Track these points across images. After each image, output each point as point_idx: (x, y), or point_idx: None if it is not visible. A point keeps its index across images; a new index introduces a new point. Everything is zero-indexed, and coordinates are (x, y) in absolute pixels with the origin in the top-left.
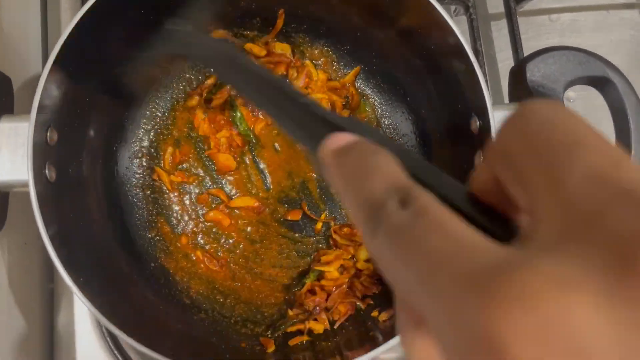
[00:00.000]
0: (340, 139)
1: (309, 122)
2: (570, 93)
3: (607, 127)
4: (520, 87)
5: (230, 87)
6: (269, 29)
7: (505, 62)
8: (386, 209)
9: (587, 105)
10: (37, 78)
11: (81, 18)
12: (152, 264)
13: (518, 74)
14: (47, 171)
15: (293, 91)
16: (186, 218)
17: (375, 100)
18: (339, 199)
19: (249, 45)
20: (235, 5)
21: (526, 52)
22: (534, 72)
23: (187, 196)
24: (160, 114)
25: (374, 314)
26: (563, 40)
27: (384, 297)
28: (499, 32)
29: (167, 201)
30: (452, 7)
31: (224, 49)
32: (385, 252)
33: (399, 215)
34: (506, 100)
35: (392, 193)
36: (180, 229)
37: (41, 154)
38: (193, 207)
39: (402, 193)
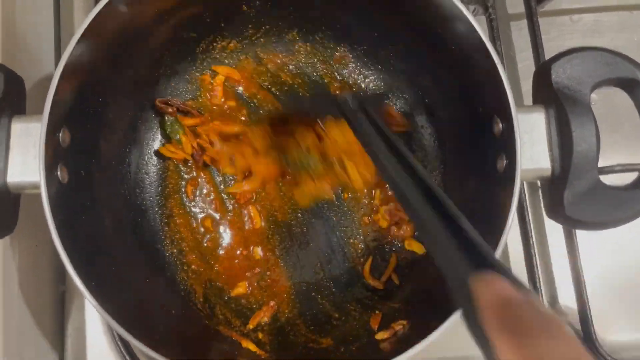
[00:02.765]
0: (504, 288)
1: (458, 249)
2: (592, 95)
3: (629, 129)
4: (545, 89)
5: None
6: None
7: (524, 62)
8: None
9: (609, 107)
10: (49, 78)
11: (94, 18)
12: (166, 268)
13: (542, 75)
14: (59, 173)
15: (453, 210)
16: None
17: (392, 102)
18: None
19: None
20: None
21: (547, 53)
22: (560, 74)
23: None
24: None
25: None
26: (585, 41)
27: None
28: (519, 33)
29: (182, 201)
30: (472, 7)
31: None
32: None
33: None
34: (526, 101)
35: None
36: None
37: (53, 155)
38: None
39: None
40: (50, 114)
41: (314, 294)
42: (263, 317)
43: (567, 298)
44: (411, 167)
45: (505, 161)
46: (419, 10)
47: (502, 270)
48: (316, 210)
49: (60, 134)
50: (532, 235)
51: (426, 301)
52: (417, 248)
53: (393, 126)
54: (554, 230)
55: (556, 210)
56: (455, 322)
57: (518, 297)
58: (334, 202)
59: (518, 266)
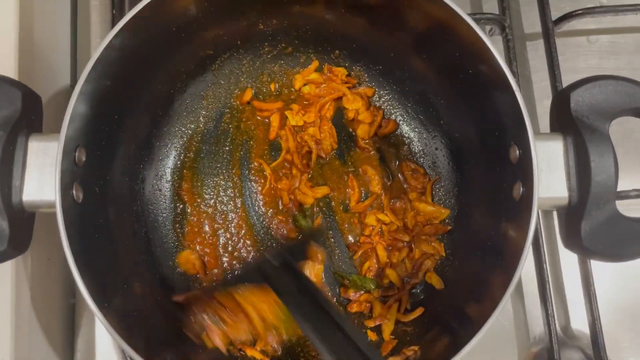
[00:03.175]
0: None
1: None
2: None
3: None
4: (564, 117)
5: None
6: None
7: (540, 83)
8: None
9: (624, 131)
10: (65, 92)
11: (111, 39)
12: (177, 287)
13: (561, 103)
14: (74, 191)
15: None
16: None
17: (406, 122)
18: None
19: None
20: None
21: (563, 74)
22: (579, 102)
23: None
24: (190, 132)
25: None
26: (601, 63)
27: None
28: (535, 53)
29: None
30: (488, 27)
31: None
32: None
33: None
34: (541, 122)
35: None
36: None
37: (69, 174)
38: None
39: None
40: (67, 133)
41: None
42: (272, 342)
43: (579, 322)
44: (335, 323)
45: (522, 189)
46: (435, 32)
47: None
48: None
49: (76, 153)
50: (545, 260)
51: (439, 329)
52: (437, 283)
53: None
54: (567, 255)
55: (573, 241)
56: (466, 354)
57: None
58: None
59: (531, 290)
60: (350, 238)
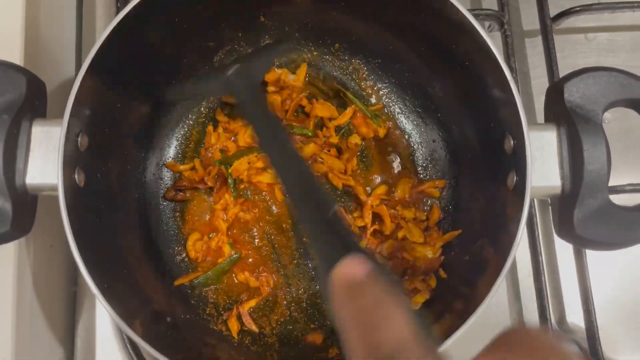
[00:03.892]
0: (356, 269)
1: (331, 238)
2: (606, 114)
3: None
4: (558, 107)
5: None
6: None
7: (538, 79)
8: None
9: (622, 127)
10: (69, 81)
11: (117, 25)
12: (177, 273)
13: (555, 94)
14: (76, 176)
15: (325, 198)
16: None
17: (405, 115)
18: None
19: None
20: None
21: (561, 70)
22: (573, 92)
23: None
24: (191, 122)
25: None
26: (599, 60)
27: None
28: (533, 50)
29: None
30: (487, 23)
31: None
32: None
33: None
34: (539, 118)
35: (399, 353)
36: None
37: (72, 158)
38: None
39: (418, 356)
40: (70, 118)
41: (324, 305)
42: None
43: (575, 316)
44: (289, 151)
45: (515, 178)
46: (434, 26)
47: (364, 254)
48: None
49: (79, 138)
50: (541, 253)
51: (434, 315)
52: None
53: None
54: (563, 248)
55: (566, 229)
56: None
57: (362, 274)
58: None
59: (526, 283)
60: None
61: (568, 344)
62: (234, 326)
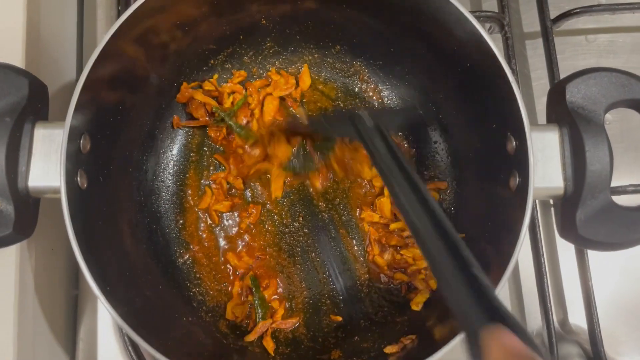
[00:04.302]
0: (516, 343)
1: (471, 300)
2: (607, 116)
3: None
4: (559, 108)
5: None
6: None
7: (539, 81)
8: None
9: (623, 128)
10: (71, 85)
11: (118, 28)
12: (178, 276)
13: (557, 95)
14: (78, 178)
15: (465, 253)
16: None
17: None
18: None
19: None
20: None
21: (562, 72)
22: (574, 93)
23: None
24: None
25: (386, 349)
26: (600, 62)
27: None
28: (534, 51)
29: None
30: (487, 25)
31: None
32: None
33: None
34: (540, 119)
35: None
36: (207, 243)
37: (74, 161)
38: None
39: None
40: (72, 121)
41: (324, 307)
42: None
43: (577, 317)
44: (425, 200)
45: (518, 179)
46: (435, 28)
47: (514, 324)
48: (321, 225)
49: (81, 141)
50: (543, 254)
51: (436, 317)
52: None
53: None
54: (565, 249)
55: (569, 230)
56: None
57: (525, 354)
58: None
59: (529, 284)
60: None
61: None
62: (269, 344)
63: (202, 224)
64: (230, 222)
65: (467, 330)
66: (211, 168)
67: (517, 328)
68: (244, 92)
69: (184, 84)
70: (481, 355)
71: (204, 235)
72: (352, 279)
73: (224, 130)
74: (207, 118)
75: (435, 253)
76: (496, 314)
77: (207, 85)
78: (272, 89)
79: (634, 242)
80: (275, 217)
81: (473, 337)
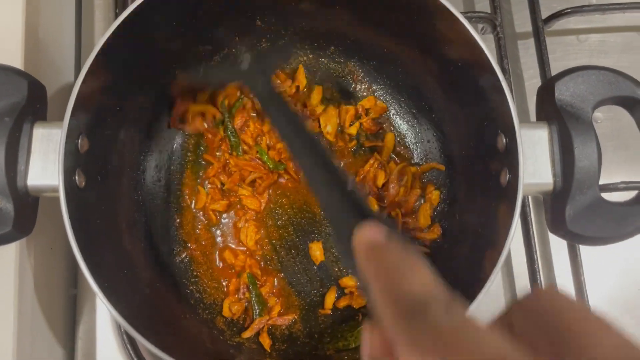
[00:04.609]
0: (376, 231)
1: (349, 207)
2: (598, 114)
3: (633, 148)
4: (548, 106)
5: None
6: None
7: (531, 81)
8: (430, 310)
9: (614, 127)
10: (69, 86)
11: (115, 29)
12: (176, 274)
13: (546, 93)
14: (76, 177)
15: (343, 172)
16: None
17: (400, 116)
18: (363, 286)
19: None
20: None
21: (554, 72)
22: (563, 91)
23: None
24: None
25: None
26: (591, 61)
27: None
28: (526, 51)
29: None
30: (479, 25)
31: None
32: (426, 343)
33: (445, 319)
34: (532, 118)
35: (435, 297)
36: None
37: (72, 160)
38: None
39: (445, 301)
40: (70, 121)
41: (320, 304)
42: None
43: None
44: (302, 131)
45: (508, 175)
46: (427, 29)
47: (380, 220)
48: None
49: (79, 140)
50: (536, 250)
51: None
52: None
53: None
54: (558, 246)
55: (558, 225)
56: None
57: (382, 236)
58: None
59: (522, 281)
60: None
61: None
62: (265, 340)
63: (199, 223)
64: (227, 220)
65: (345, 234)
66: (209, 168)
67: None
68: (237, 94)
69: (177, 101)
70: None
71: (201, 234)
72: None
73: (221, 131)
74: (205, 126)
75: (322, 182)
76: (368, 216)
77: (202, 96)
78: None
79: (623, 237)
80: (272, 215)
81: (348, 238)
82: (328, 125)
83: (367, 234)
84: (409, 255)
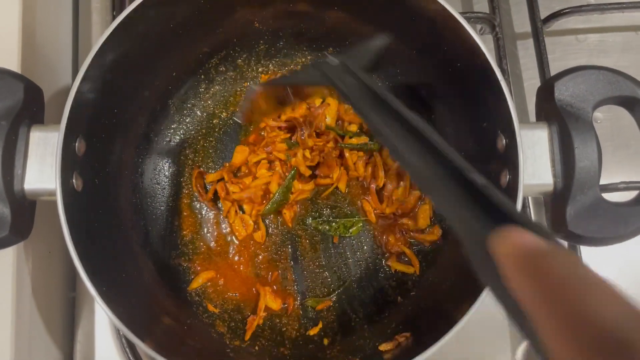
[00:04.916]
0: (528, 236)
1: (483, 204)
2: (598, 114)
3: (634, 148)
4: (548, 106)
5: None
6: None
7: (530, 81)
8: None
9: (614, 126)
10: (66, 89)
11: (112, 31)
12: (174, 277)
13: (546, 93)
14: (74, 181)
15: (460, 162)
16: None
17: None
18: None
19: None
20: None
21: (553, 72)
22: (563, 91)
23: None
24: (188, 127)
25: (381, 347)
26: (590, 61)
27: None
28: (525, 52)
29: (189, 214)
30: (478, 26)
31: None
32: None
33: None
34: (532, 118)
35: (629, 332)
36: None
37: (69, 163)
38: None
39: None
40: (67, 124)
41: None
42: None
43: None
44: (405, 120)
45: (508, 176)
46: (426, 29)
47: (525, 221)
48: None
49: (76, 144)
50: None
51: (429, 315)
52: (403, 268)
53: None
54: None
55: (559, 226)
56: (455, 335)
57: (543, 246)
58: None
59: None
60: None
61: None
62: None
63: (197, 225)
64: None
65: (471, 242)
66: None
67: (529, 224)
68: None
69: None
70: (492, 265)
71: (201, 237)
72: (348, 276)
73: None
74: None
75: (423, 170)
76: (505, 218)
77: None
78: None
79: (623, 237)
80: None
81: (479, 249)
82: (327, 116)
83: (518, 240)
84: (587, 268)
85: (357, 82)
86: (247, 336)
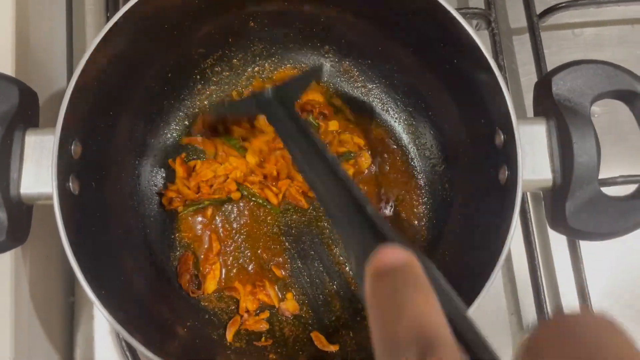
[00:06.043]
0: (388, 256)
1: (363, 231)
2: (595, 108)
3: (632, 142)
4: (546, 101)
5: None
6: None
7: (527, 76)
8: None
9: (611, 120)
10: (61, 92)
11: (106, 33)
12: (174, 279)
13: (543, 88)
14: (70, 184)
15: (359, 195)
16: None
17: (396, 114)
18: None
19: None
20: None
21: (549, 66)
22: (560, 86)
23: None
24: (184, 128)
25: None
26: (587, 55)
27: None
28: (522, 47)
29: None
30: (474, 22)
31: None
32: None
33: None
34: (529, 114)
35: (413, 344)
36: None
37: (65, 167)
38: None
39: (423, 346)
40: (63, 127)
41: (322, 307)
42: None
43: (571, 308)
44: (322, 157)
45: (507, 172)
46: (422, 26)
47: (397, 242)
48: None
49: (72, 147)
50: (536, 247)
51: None
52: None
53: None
54: (558, 242)
55: (558, 221)
56: None
57: (402, 257)
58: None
59: (522, 277)
60: None
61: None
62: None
63: (196, 227)
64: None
65: (361, 258)
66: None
67: (400, 244)
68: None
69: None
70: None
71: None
72: (345, 276)
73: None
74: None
75: (331, 203)
76: (384, 238)
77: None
78: None
79: (624, 231)
80: (269, 220)
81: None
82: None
83: (381, 257)
84: (411, 284)
85: (286, 114)
86: (230, 337)
